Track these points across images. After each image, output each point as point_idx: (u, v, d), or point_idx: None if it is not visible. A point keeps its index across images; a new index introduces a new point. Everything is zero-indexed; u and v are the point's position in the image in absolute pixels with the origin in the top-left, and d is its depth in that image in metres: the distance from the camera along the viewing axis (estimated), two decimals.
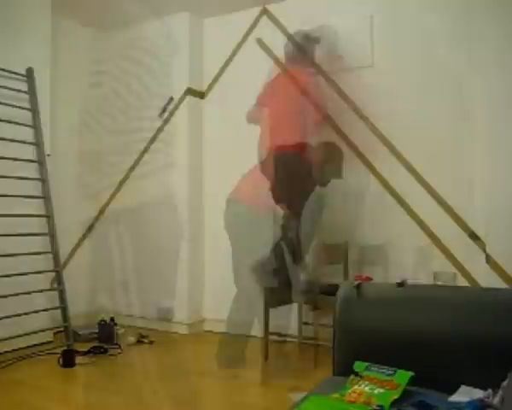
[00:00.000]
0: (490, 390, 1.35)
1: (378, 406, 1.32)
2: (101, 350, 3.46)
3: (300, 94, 3.37)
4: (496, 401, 1.29)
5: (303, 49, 3.55)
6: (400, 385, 1.41)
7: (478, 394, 1.37)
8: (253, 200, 3.30)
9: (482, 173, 3.21)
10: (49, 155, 3.73)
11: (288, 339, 3.60)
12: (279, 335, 3.48)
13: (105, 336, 3.65)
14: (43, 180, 3.64)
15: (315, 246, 3.35)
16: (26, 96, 3.64)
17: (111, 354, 3.44)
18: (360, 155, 3.64)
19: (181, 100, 4.23)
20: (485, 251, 3.15)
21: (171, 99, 4.27)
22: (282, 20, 3.99)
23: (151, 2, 4.02)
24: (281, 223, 3.32)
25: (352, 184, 3.58)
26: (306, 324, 3.55)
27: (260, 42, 4.09)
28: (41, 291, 3.53)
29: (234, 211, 3.35)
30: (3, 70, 3.46)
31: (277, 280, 3.27)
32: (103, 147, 4.63)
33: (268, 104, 3.52)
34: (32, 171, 3.62)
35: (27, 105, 3.64)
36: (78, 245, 4.41)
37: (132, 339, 3.76)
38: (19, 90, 3.57)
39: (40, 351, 3.34)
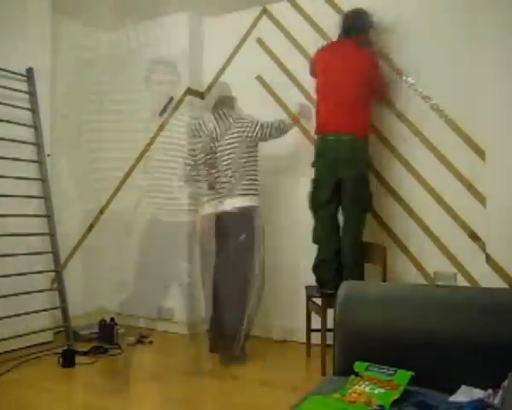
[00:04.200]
0: (490, 390, 1.35)
1: (378, 406, 1.32)
2: (101, 350, 3.46)
3: (365, 66, 3.29)
4: (496, 401, 1.29)
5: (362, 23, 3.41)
6: (400, 385, 1.41)
7: (478, 394, 1.37)
8: None
9: (482, 173, 3.22)
10: (49, 155, 3.73)
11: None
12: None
13: (105, 336, 3.65)
14: (43, 180, 3.64)
15: None
16: (26, 96, 3.64)
17: (111, 354, 3.44)
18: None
19: (181, 100, 4.23)
20: (485, 251, 3.15)
21: (172, 99, 4.28)
22: (282, 20, 4.00)
23: (151, 2, 4.02)
24: None
25: None
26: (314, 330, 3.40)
27: (260, 42, 4.10)
28: (41, 291, 3.53)
29: None
30: (3, 70, 3.46)
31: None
32: (103, 147, 4.63)
33: (325, 72, 3.38)
34: (32, 171, 3.62)
35: (27, 105, 3.64)
36: (78, 245, 4.41)
37: (132, 339, 3.76)
38: (19, 90, 3.57)
39: (40, 351, 3.34)
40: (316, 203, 3.33)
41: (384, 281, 3.18)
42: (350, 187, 3.21)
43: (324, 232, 3.31)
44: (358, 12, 3.40)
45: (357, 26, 3.38)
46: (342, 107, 3.21)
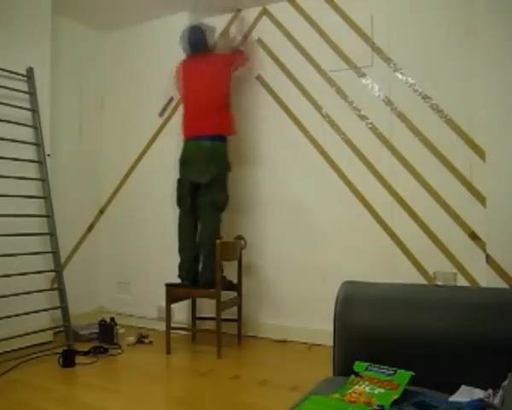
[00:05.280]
0: (490, 390, 1.35)
1: (378, 406, 1.32)
2: (101, 350, 3.45)
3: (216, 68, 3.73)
4: (496, 401, 1.29)
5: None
6: (400, 385, 1.41)
7: (478, 394, 1.37)
8: None
9: (482, 173, 3.21)
10: (49, 155, 3.73)
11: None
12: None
13: (105, 336, 3.65)
14: (43, 180, 3.64)
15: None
16: (26, 96, 3.64)
17: (111, 354, 3.44)
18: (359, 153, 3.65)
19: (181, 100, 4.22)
20: (485, 251, 3.15)
21: (172, 99, 4.27)
22: (282, 20, 4.00)
23: (151, 2, 4.02)
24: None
25: None
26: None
27: (260, 42, 4.10)
28: (41, 291, 3.53)
29: None
30: (3, 70, 3.46)
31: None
32: (103, 147, 4.64)
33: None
34: (32, 171, 3.62)
35: (27, 105, 3.64)
36: (78, 245, 4.41)
37: (132, 339, 3.76)
38: (19, 90, 3.57)
39: (40, 351, 3.34)
40: (179, 201, 3.72)
41: (240, 275, 3.72)
42: (206, 190, 3.56)
43: (181, 229, 3.69)
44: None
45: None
46: (199, 113, 3.64)
